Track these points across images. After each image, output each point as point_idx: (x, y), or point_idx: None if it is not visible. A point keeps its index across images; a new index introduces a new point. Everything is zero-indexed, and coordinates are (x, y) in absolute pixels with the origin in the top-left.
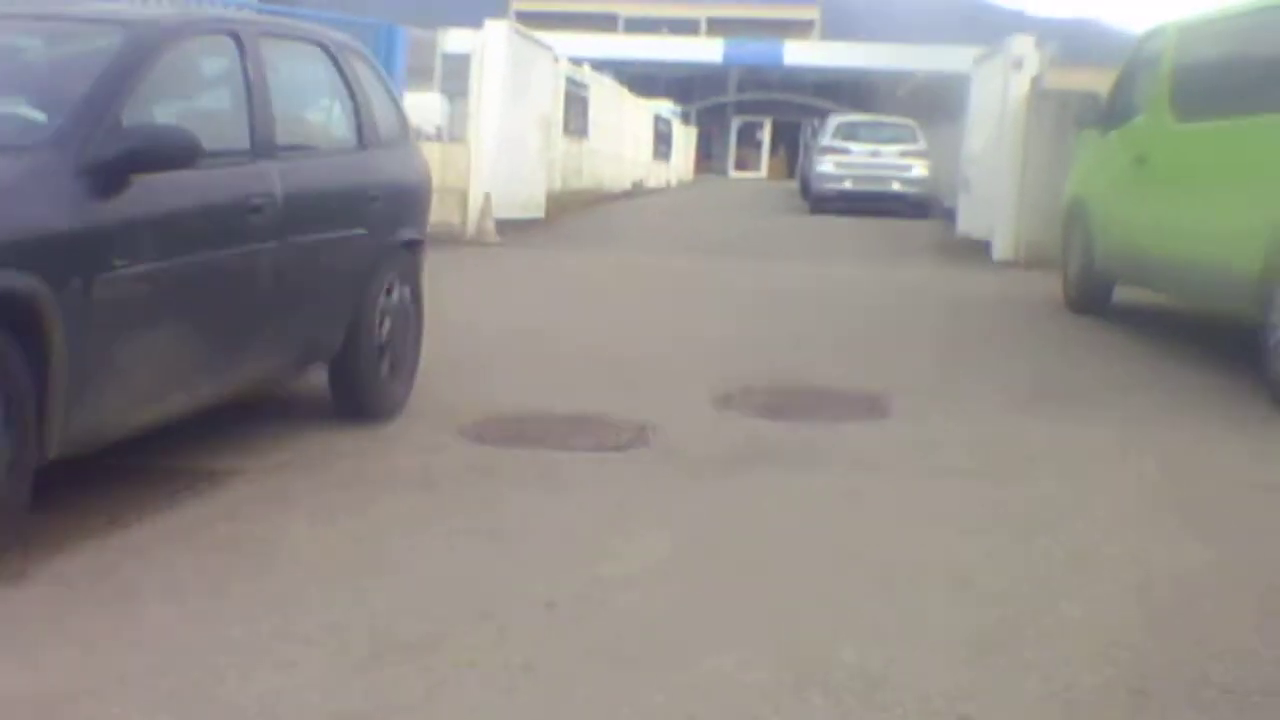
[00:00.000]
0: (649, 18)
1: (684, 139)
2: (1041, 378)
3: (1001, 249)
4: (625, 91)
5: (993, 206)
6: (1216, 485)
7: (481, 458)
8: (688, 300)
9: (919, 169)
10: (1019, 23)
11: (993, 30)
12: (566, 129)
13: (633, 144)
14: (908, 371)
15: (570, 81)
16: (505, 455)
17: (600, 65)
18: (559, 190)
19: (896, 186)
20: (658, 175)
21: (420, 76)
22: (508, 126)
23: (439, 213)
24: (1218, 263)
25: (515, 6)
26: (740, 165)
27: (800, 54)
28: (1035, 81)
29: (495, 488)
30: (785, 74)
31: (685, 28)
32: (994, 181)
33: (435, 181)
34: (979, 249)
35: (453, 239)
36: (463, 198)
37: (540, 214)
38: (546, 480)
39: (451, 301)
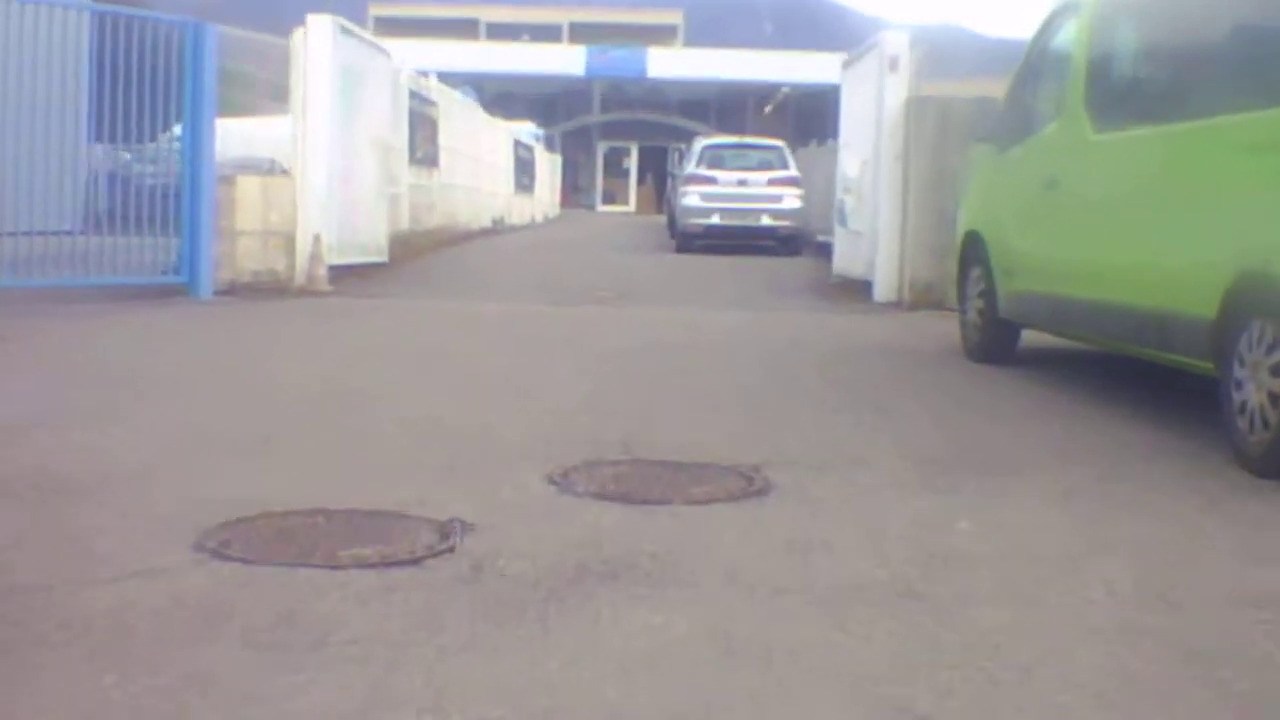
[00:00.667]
0: (511, 24)
1: (549, 168)
2: (954, 443)
3: (884, 289)
4: (481, 110)
5: (872, 240)
6: (1220, 608)
7: (211, 588)
8: (539, 357)
9: (790, 199)
10: (878, 29)
11: (851, 38)
12: (413, 157)
13: (491, 174)
14: (789, 437)
15: (416, 97)
16: (248, 581)
17: (459, 79)
18: (406, 230)
19: (766, 220)
20: (521, 210)
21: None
22: (340, 153)
23: (261, 260)
24: (1161, 308)
25: (373, 12)
26: (608, 198)
27: (664, 63)
28: (913, 87)
29: (206, 654)
30: (650, 88)
31: (547, 34)
32: (872, 210)
33: (256, 224)
34: (859, 290)
35: (279, 289)
36: (289, 241)
37: (383, 258)
38: (289, 631)
39: (259, 363)
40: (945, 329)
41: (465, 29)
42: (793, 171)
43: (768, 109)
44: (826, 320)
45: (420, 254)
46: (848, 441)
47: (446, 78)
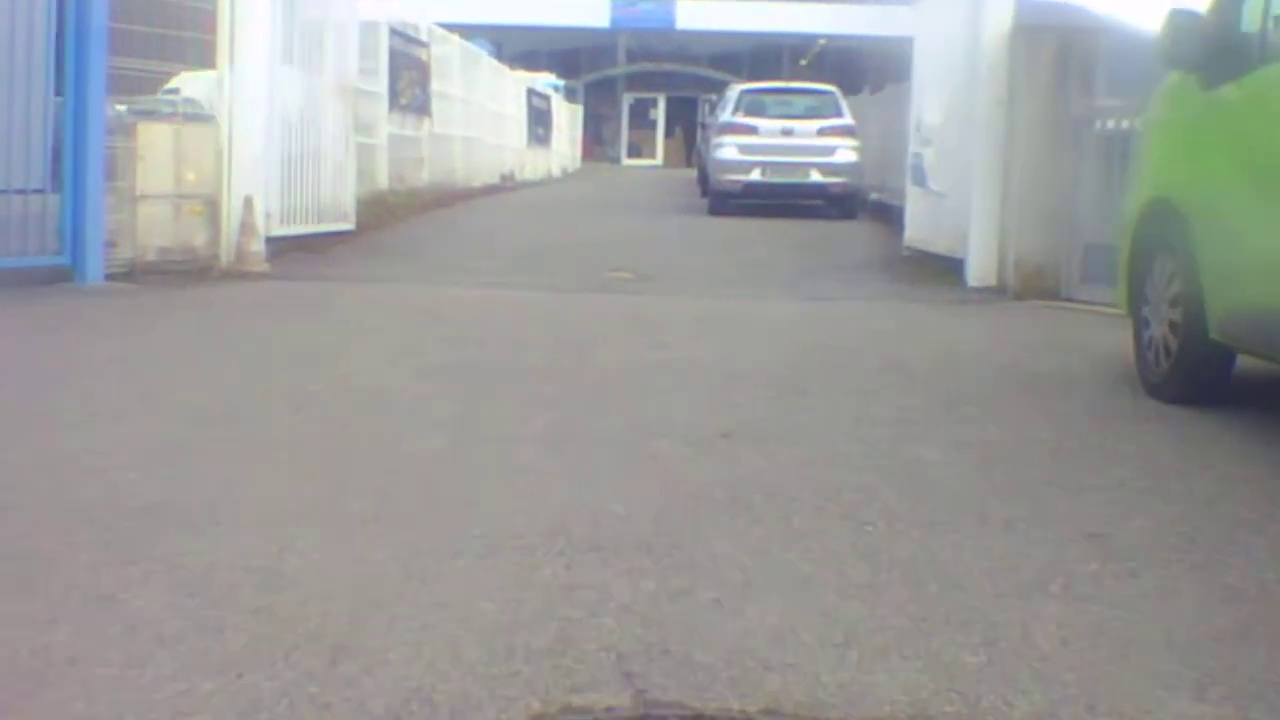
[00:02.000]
0: None
1: (568, 120)
2: (1257, 623)
3: (979, 269)
4: (485, 56)
5: (961, 205)
6: None
7: None
8: (503, 405)
9: (844, 151)
10: None
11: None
12: (395, 103)
13: (499, 125)
14: (947, 622)
15: (399, 36)
16: None
17: (477, 32)
18: (384, 189)
19: (816, 176)
20: (535, 165)
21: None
22: (287, 97)
23: (173, 233)
24: None
25: None
26: (634, 151)
27: (694, 15)
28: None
29: None
30: (678, 41)
31: None
32: (961, 167)
33: (166, 185)
34: (943, 268)
35: (197, 271)
36: (213, 207)
37: (348, 225)
38: None
39: (44, 430)
40: (1083, 334)
41: None
42: (847, 120)
43: (804, 61)
44: (914, 316)
45: (401, 218)
46: (1065, 640)
47: (463, 30)
